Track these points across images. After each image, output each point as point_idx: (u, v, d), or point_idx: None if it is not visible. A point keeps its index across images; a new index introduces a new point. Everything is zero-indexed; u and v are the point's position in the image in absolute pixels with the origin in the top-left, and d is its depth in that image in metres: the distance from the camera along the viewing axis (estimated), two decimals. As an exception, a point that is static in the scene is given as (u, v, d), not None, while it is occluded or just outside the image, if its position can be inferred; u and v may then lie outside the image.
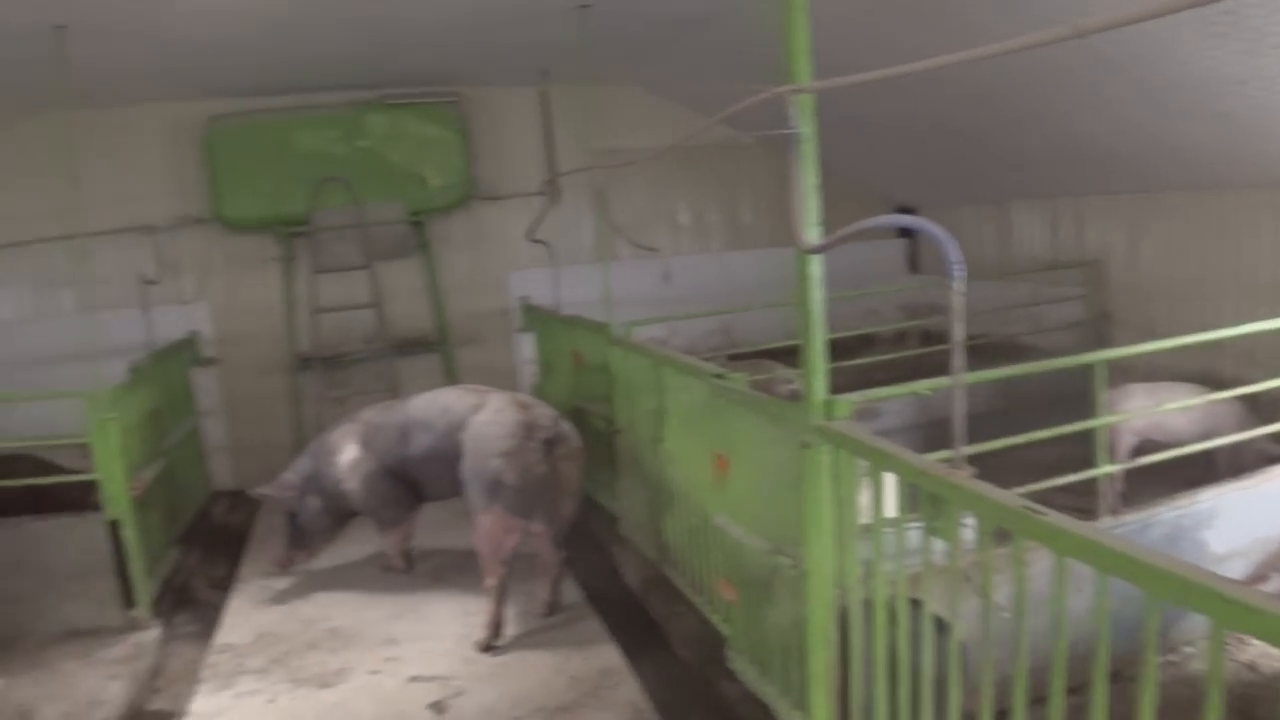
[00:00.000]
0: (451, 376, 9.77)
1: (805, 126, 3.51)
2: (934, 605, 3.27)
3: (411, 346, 9.77)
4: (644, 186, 10.28)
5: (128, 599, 6.38)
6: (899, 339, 10.78)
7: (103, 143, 8.70)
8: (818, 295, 3.66)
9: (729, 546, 4.89)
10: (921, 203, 10.67)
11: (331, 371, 9.50)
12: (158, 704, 5.61)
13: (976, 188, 9.65)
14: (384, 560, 7.12)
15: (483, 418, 6.08)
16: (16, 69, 7.11)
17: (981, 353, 9.23)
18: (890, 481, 3.47)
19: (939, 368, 10.20)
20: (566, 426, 6.17)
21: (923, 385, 4.22)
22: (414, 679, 5.50)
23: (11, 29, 6.10)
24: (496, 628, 5.87)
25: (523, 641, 5.88)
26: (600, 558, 7.08)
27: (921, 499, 3.16)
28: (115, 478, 6.33)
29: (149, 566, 6.58)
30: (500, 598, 5.90)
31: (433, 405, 6.46)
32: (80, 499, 7.20)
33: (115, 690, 5.58)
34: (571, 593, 6.44)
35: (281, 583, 7.03)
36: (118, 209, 9.11)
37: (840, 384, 7.56)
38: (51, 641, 6.28)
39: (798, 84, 3.48)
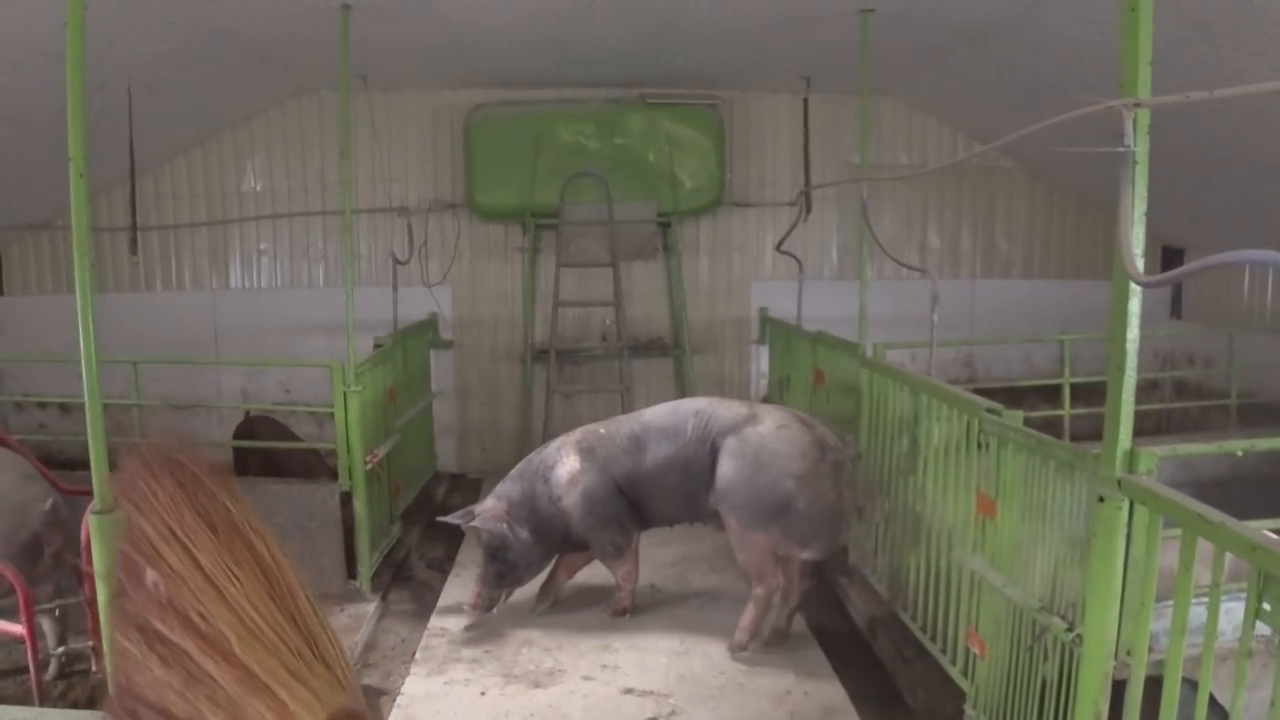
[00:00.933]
0: (684, 382, 9.61)
1: (1140, 145, 3.12)
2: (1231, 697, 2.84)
3: (646, 349, 9.64)
4: (893, 205, 9.86)
5: (350, 570, 6.44)
6: (1150, 388, 10.03)
7: (366, 125, 8.90)
8: (1134, 333, 3.26)
9: (985, 596, 4.50)
10: (1190, 243, 9.86)
11: (565, 366, 9.46)
12: (369, 679, 5.61)
13: (1258, 230, 8.83)
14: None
15: (764, 430, 5.71)
16: (299, 46, 7.32)
17: (1249, 413, 8.50)
18: (1202, 549, 3.04)
19: (1191, 423, 9.30)
20: (850, 450, 5.94)
21: (1238, 444, 3.73)
22: (628, 691, 5.30)
23: (301, 6, 6.24)
24: (755, 634, 5.70)
25: (741, 666, 5.60)
26: (826, 588, 6.76)
27: (1251, 576, 2.74)
28: (352, 449, 6.39)
29: (373, 540, 6.63)
30: (767, 606, 5.73)
31: (678, 412, 6.09)
32: (308, 466, 7.35)
33: (333, 661, 5.61)
34: (795, 621, 6.15)
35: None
36: (374, 189, 9.33)
37: (1080, 430, 6.96)
38: (277, 604, 6.39)
39: (1137, 98, 3.09)
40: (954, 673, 4.95)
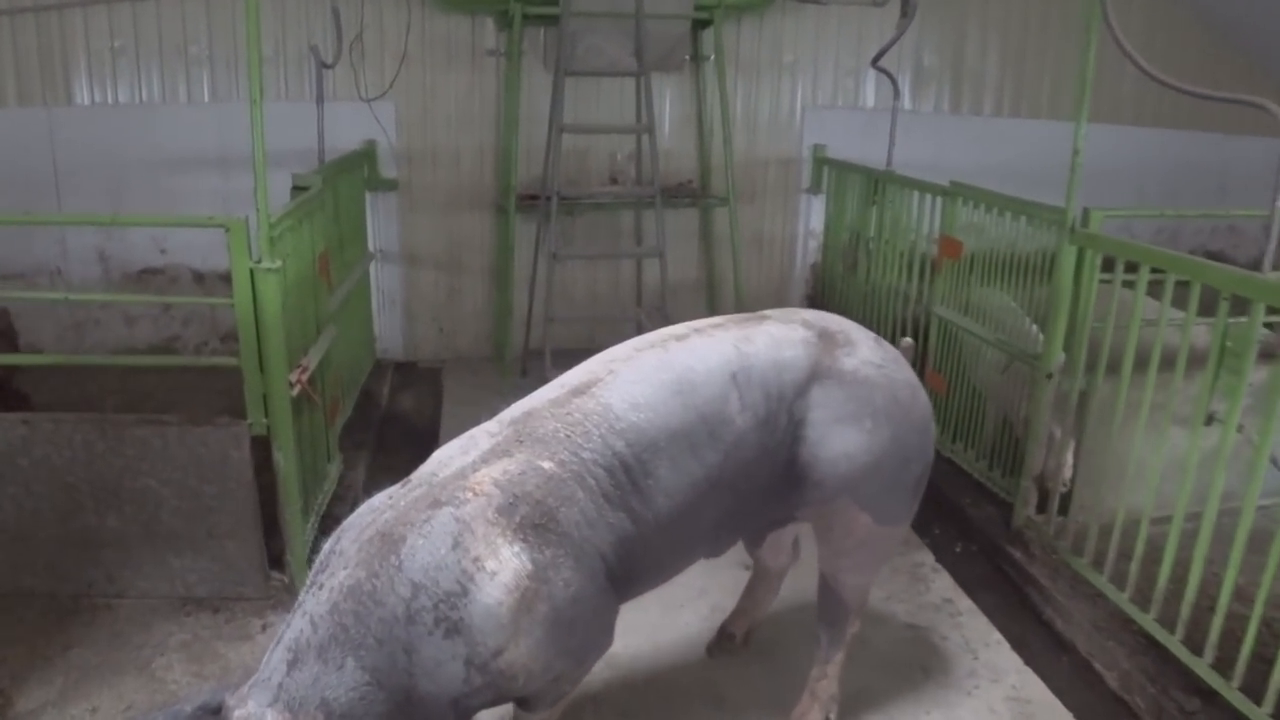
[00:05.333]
0: (710, 242, 7.15)
1: None
2: None
3: (673, 197, 7.08)
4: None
5: (271, 557, 4.07)
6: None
7: None
8: None
9: None
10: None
11: (559, 217, 6.85)
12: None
13: None
14: None
15: (870, 356, 2.96)
16: None
17: None
18: None
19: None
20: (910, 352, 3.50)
21: None
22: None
23: None
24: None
25: (898, 704, 3.32)
26: (978, 556, 4.58)
27: None
28: (270, 365, 3.85)
29: (306, 503, 4.21)
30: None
31: (689, 384, 2.70)
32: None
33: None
34: (979, 631, 3.93)
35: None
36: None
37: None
38: (159, 618, 3.95)
39: None
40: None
